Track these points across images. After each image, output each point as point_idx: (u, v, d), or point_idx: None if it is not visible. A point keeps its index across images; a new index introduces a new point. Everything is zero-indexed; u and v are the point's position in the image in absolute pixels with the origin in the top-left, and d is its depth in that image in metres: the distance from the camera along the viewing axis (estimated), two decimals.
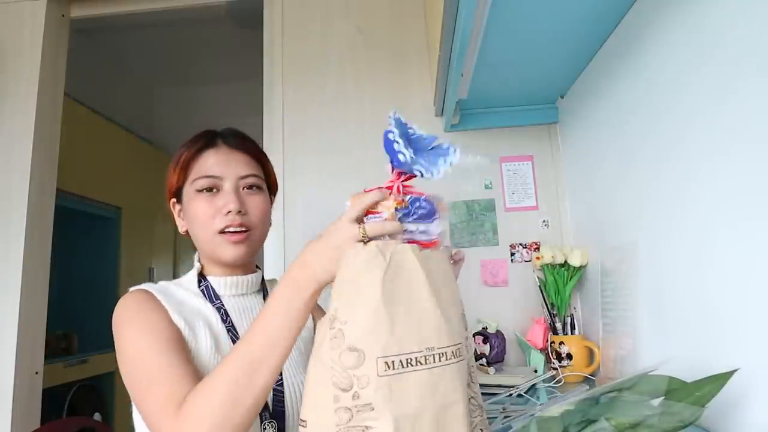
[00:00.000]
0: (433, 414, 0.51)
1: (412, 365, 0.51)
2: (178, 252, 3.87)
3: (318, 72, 1.67)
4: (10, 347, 1.51)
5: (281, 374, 0.76)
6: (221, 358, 0.68)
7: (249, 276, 0.82)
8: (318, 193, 1.58)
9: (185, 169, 0.78)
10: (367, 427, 0.50)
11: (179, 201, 0.81)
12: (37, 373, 1.60)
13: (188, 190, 0.78)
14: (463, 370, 0.55)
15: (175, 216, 0.83)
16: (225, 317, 0.77)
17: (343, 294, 0.54)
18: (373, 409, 0.50)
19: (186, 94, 3.57)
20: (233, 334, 0.75)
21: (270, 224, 0.84)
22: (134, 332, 0.67)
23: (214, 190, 0.77)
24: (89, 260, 3.12)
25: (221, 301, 0.78)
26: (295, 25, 1.70)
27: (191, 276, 0.81)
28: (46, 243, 1.70)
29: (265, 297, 0.85)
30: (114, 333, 0.69)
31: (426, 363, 0.52)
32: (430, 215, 0.58)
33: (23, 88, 1.68)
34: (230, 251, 0.76)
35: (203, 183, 0.77)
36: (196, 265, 0.81)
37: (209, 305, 0.77)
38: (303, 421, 0.54)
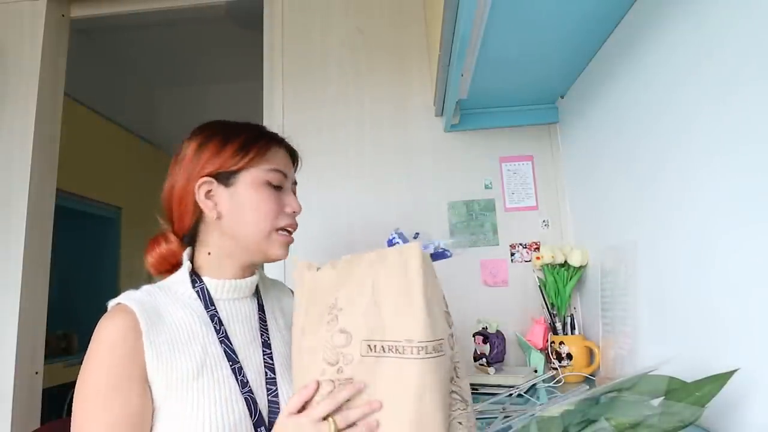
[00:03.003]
0: (408, 398, 0.55)
1: (392, 352, 0.56)
2: None
3: (318, 72, 1.66)
4: (10, 347, 1.51)
5: (275, 385, 0.73)
6: (206, 378, 0.66)
7: (248, 279, 0.79)
8: (318, 193, 1.58)
9: (254, 155, 0.75)
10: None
11: (222, 183, 0.74)
12: (37, 373, 1.60)
13: (251, 177, 0.74)
14: (444, 364, 0.58)
15: (201, 197, 0.73)
16: (218, 326, 0.72)
17: (347, 285, 0.61)
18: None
19: (186, 94, 3.57)
20: (226, 345, 0.71)
21: None
22: (91, 389, 0.62)
23: (280, 188, 0.77)
24: (89, 260, 3.12)
25: (215, 307, 0.74)
26: (295, 25, 1.70)
27: (183, 276, 0.75)
28: (46, 243, 1.70)
29: (258, 302, 0.82)
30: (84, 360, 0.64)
31: (403, 352, 0.56)
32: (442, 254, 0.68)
33: (23, 88, 1.68)
34: (282, 251, 0.77)
35: (277, 178, 0.76)
36: (187, 263, 0.76)
37: (199, 315, 0.72)
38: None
